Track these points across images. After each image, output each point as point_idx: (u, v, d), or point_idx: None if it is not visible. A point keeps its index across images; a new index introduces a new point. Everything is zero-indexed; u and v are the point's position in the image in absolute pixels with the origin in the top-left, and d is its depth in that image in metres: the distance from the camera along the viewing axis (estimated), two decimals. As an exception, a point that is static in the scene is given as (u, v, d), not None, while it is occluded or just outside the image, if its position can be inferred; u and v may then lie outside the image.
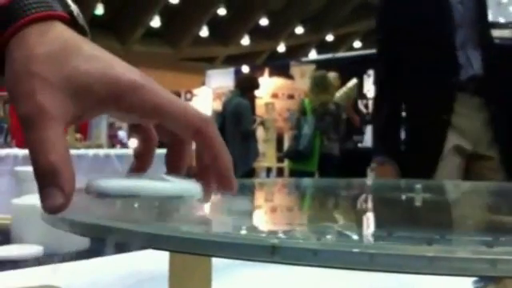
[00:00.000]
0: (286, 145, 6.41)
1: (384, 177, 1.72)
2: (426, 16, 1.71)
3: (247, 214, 0.38)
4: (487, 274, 0.24)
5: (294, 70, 8.66)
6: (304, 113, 4.82)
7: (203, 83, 9.88)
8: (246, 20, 14.43)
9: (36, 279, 0.72)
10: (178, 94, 9.93)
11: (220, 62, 15.82)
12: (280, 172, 7.04)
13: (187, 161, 0.46)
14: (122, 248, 0.90)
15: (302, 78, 8.07)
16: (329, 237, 0.28)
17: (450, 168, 1.63)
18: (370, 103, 7.60)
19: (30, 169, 1.20)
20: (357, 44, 15.72)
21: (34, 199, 0.94)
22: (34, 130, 0.36)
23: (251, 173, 5.11)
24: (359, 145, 6.34)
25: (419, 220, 0.41)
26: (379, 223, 0.40)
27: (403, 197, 0.57)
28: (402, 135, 1.80)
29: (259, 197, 0.53)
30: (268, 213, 0.37)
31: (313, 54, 14.19)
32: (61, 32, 0.40)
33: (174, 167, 0.46)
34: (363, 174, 5.40)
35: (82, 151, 3.19)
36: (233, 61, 14.32)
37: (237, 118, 4.71)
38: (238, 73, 8.52)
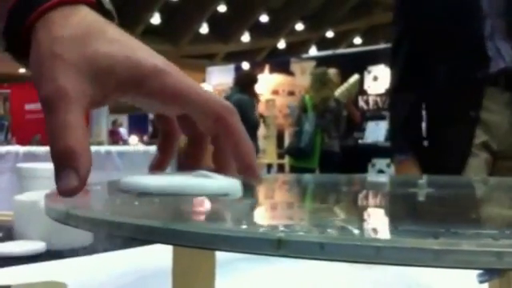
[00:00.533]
0: (287, 141, 6.41)
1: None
2: (451, 4, 1.58)
3: (251, 209, 0.38)
4: (493, 267, 0.24)
5: (295, 66, 8.66)
6: (305, 110, 4.82)
7: (203, 80, 9.88)
8: (246, 17, 14.43)
9: (39, 275, 0.72)
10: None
11: (220, 59, 15.83)
12: (281, 169, 7.04)
13: (205, 156, 0.46)
14: (125, 244, 0.90)
15: (302, 75, 8.07)
16: (335, 230, 0.28)
17: (477, 165, 1.53)
18: (371, 99, 7.61)
19: (31, 165, 1.19)
20: (357, 40, 15.70)
21: (36, 196, 0.94)
22: (54, 113, 0.36)
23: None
24: (360, 141, 6.34)
25: (425, 214, 0.41)
26: (385, 217, 0.40)
27: (410, 192, 0.57)
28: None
29: (262, 192, 0.53)
30: (272, 207, 0.38)
31: (313, 51, 14.18)
32: (85, 15, 0.40)
33: (194, 161, 0.45)
34: (364, 171, 5.40)
35: (82, 148, 3.19)
36: (233, 58, 14.32)
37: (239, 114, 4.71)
38: (238, 70, 8.52)
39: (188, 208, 0.38)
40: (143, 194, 0.39)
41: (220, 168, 0.43)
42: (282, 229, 0.28)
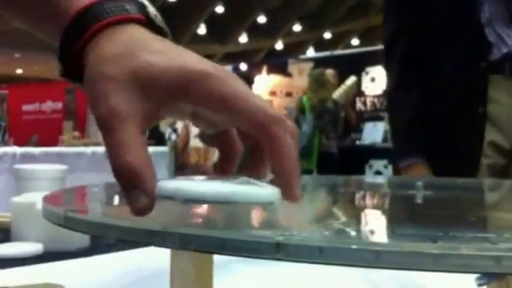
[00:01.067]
0: (285, 142, 6.41)
1: None
2: None
3: (249, 211, 0.38)
4: (492, 271, 0.24)
5: (292, 67, 8.66)
6: (303, 111, 4.83)
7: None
8: (244, 18, 14.43)
9: (36, 277, 0.72)
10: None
11: (218, 59, 15.82)
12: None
13: (267, 167, 0.43)
14: (122, 245, 0.90)
15: (300, 76, 8.08)
16: (334, 234, 0.28)
17: (484, 168, 1.41)
18: (368, 100, 7.61)
19: (29, 167, 1.19)
20: (354, 41, 15.71)
21: (33, 197, 0.94)
22: (110, 133, 0.36)
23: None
24: (357, 142, 6.34)
25: (424, 217, 0.41)
26: (384, 221, 0.40)
27: (408, 194, 0.57)
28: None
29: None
30: (270, 209, 0.37)
31: (311, 52, 14.19)
32: (131, 33, 0.40)
33: (255, 173, 0.42)
34: (361, 172, 5.41)
35: (80, 149, 3.18)
36: (231, 59, 14.32)
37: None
38: (235, 70, 8.52)
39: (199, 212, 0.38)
40: (189, 200, 0.37)
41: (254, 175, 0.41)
42: (280, 232, 0.28)
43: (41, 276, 0.73)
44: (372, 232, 0.31)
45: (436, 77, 1.52)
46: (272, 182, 0.39)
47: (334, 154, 4.95)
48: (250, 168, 0.43)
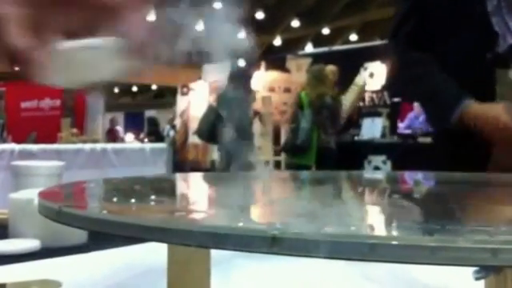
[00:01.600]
0: (283, 138, 6.41)
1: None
2: None
3: (246, 206, 0.38)
4: (489, 264, 0.24)
5: (291, 63, 8.66)
6: (301, 107, 4.83)
7: (200, 77, 9.87)
8: (242, 14, 14.40)
9: (34, 274, 0.72)
10: (175, 89, 9.92)
11: (216, 56, 15.81)
12: (277, 166, 7.04)
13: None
14: (120, 242, 0.90)
15: (298, 72, 8.08)
16: (330, 227, 0.27)
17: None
18: (367, 96, 7.62)
19: (27, 163, 1.19)
20: (353, 37, 15.70)
21: (31, 194, 0.93)
22: None
23: (249, 166, 5.12)
24: (356, 138, 6.34)
25: (421, 210, 0.41)
26: (380, 214, 0.39)
27: (405, 188, 0.57)
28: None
29: (258, 188, 0.53)
30: (267, 204, 0.37)
31: (309, 48, 14.17)
32: None
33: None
34: (360, 167, 5.41)
35: (78, 145, 3.18)
36: (229, 55, 14.29)
37: (232, 112, 4.70)
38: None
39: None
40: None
41: None
42: (276, 226, 0.27)
43: (38, 272, 0.73)
44: (368, 225, 0.30)
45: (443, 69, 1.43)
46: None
47: (332, 149, 4.95)
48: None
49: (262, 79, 8.14)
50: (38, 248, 0.87)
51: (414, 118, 6.55)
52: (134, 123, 15.30)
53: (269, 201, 0.40)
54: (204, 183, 0.79)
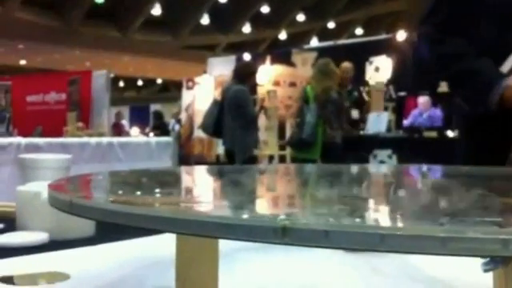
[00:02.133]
0: (288, 133, 6.40)
1: None
2: None
3: (256, 198, 0.38)
4: (499, 254, 0.24)
5: (296, 57, 8.63)
6: (307, 101, 4.81)
7: (205, 71, 9.86)
8: (247, 7, 14.37)
9: (42, 266, 0.72)
10: (180, 83, 9.92)
11: (221, 49, 15.79)
12: (282, 160, 7.04)
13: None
14: (127, 234, 0.90)
15: (303, 66, 8.06)
16: (339, 218, 0.27)
17: None
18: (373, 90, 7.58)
19: (33, 156, 1.19)
20: (358, 31, 15.65)
21: (38, 186, 0.94)
22: None
23: (253, 160, 5.11)
24: (361, 132, 6.33)
25: (431, 202, 0.41)
26: (389, 205, 0.39)
27: (413, 180, 0.57)
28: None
29: (266, 181, 0.53)
30: (277, 196, 0.37)
31: (314, 42, 14.14)
32: None
33: None
34: (366, 162, 5.40)
35: (84, 139, 3.19)
36: (234, 49, 14.28)
37: (236, 105, 4.69)
38: (239, 60, 8.50)
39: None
40: None
41: None
42: (286, 217, 0.27)
43: (46, 265, 0.74)
44: (377, 216, 0.30)
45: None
46: None
47: (338, 144, 4.94)
48: None
49: (267, 73, 8.12)
50: (47, 241, 0.87)
51: (418, 115, 6.52)
52: (140, 117, 15.31)
53: (278, 192, 0.40)
54: (211, 176, 0.79)
